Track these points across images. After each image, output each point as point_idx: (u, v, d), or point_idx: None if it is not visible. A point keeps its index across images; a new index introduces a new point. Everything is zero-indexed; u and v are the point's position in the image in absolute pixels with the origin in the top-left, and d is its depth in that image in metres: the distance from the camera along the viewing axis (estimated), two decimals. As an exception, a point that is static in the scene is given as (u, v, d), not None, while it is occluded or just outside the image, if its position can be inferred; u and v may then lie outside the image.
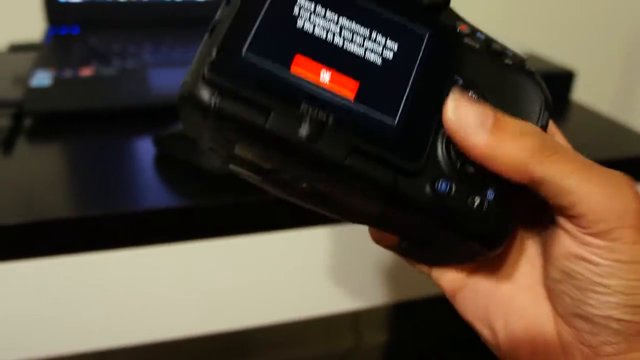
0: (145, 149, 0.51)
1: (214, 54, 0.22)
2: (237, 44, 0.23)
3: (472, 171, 0.25)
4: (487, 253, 0.26)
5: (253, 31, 0.23)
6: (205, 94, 0.22)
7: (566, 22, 0.99)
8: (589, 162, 0.25)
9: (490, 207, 0.25)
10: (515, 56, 0.28)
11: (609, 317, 0.24)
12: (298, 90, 0.23)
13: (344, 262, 0.51)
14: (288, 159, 0.23)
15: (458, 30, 0.27)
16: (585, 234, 0.24)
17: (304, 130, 0.22)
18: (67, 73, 0.60)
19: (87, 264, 0.44)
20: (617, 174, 0.24)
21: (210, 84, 0.22)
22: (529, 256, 0.29)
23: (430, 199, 0.24)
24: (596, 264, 0.24)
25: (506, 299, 0.28)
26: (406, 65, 0.25)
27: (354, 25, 0.25)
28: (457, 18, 0.27)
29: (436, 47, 0.26)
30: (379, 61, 0.25)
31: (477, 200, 0.25)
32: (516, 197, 0.26)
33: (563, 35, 0.99)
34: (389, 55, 0.25)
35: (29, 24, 0.76)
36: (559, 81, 0.69)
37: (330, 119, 0.23)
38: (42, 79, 0.58)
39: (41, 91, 0.56)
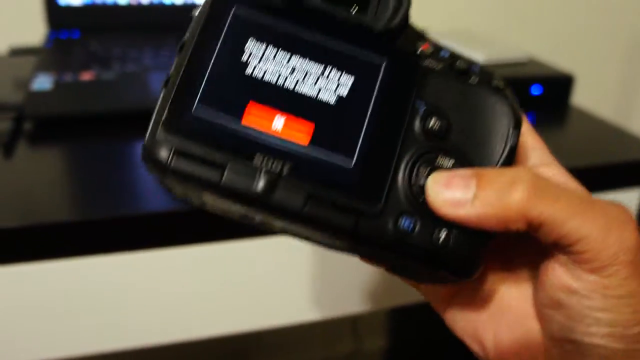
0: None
1: (165, 111, 0.22)
2: (187, 98, 0.22)
3: None
4: (461, 281, 0.26)
5: (203, 84, 0.22)
6: (161, 153, 0.22)
7: (566, 27, 0.99)
8: (587, 197, 0.24)
9: (458, 238, 0.24)
10: (482, 73, 0.26)
11: (598, 345, 0.24)
12: (251, 141, 0.22)
13: (344, 266, 0.51)
14: (250, 209, 0.23)
15: (419, 51, 0.26)
16: (580, 269, 0.24)
17: (260, 183, 0.22)
18: (68, 77, 0.60)
19: (88, 267, 0.44)
20: (617, 210, 0.24)
21: (164, 142, 0.22)
22: (515, 273, 0.28)
23: (394, 237, 0.23)
24: (589, 298, 0.23)
25: (494, 314, 0.28)
26: (363, 100, 0.24)
27: (306, 64, 0.24)
28: (419, 37, 0.26)
29: (394, 75, 0.25)
30: (334, 99, 0.24)
31: (444, 234, 0.24)
32: None
33: (563, 39, 0.99)
34: (345, 91, 0.24)
35: (30, 28, 0.76)
36: (558, 85, 0.69)
37: (286, 168, 0.22)
38: (43, 82, 0.58)
39: (42, 95, 0.56)
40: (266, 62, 0.23)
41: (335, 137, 0.23)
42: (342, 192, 0.23)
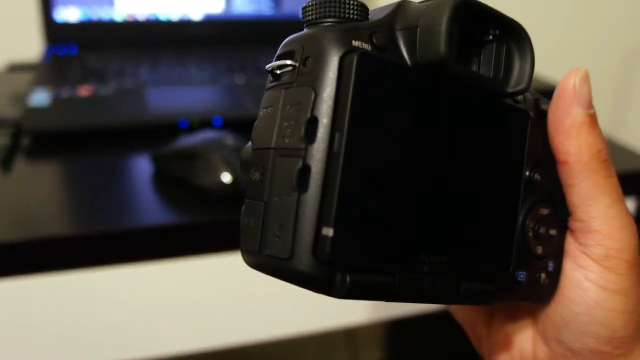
0: (142, 167, 0.51)
1: (330, 232, 0.19)
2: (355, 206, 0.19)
3: (541, 252, 0.25)
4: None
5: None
6: (331, 274, 0.19)
7: (558, 40, 1.00)
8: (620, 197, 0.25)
9: (551, 276, 0.25)
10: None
11: (585, 347, 0.24)
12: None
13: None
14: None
15: (520, 98, 0.27)
16: (583, 253, 0.24)
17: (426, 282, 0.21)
18: (65, 92, 0.61)
19: (85, 281, 0.44)
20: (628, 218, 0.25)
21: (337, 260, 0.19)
22: None
23: (514, 289, 0.25)
24: (585, 290, 0.24)
25: (489, 310, 0.30)
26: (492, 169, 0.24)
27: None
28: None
29: (512, 132, 0.25)
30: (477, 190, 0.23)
31: (544, 276, 0.25)
32: None
33: (555, 52, 1.00)
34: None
35: (28, 44, 0.77)
36: (550, 98, 0.69)
37: (444, 259, 0.22)
38: (41, 98, 0.59)
39: (39, 110, 0.57)
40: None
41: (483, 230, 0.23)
42: (483, 268, 0.23)
